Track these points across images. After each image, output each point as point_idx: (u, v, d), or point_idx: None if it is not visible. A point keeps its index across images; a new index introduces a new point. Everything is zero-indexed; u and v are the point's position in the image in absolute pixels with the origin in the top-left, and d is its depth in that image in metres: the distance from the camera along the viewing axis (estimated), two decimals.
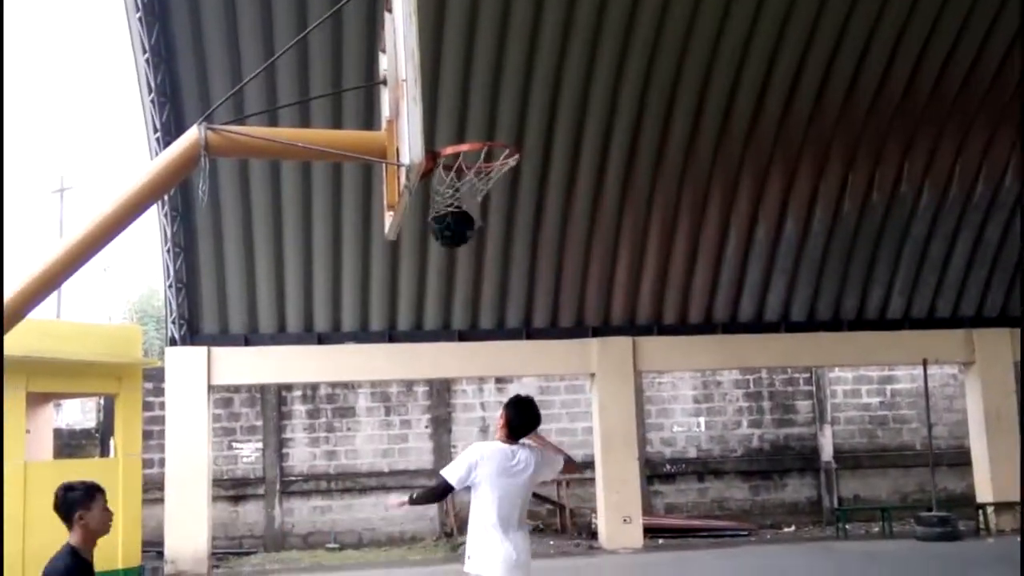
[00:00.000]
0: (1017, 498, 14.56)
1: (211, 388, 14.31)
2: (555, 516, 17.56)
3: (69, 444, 16.45)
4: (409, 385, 17.69)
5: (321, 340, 14.66)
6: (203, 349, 14.16)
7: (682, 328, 15.53)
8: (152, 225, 14.19)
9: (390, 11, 5.23)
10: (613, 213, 14.38)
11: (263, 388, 17.12)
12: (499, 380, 17.38)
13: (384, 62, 5.57)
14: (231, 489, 16.88)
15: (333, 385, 17.43)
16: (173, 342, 14.23)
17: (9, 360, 10.80)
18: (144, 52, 12.13)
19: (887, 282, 15.88)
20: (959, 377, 17.92)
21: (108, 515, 3.95)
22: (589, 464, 16.29)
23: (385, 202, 5.52)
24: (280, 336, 14.60)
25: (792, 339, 15.74)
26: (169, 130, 12.28)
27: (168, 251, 13.71)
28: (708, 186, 14.45)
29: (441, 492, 5.14)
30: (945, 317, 16.23)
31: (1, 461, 6.36)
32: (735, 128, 13.88)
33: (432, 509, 17.10)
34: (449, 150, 5.50)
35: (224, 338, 14.40)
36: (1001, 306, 16.21)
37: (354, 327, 14.77)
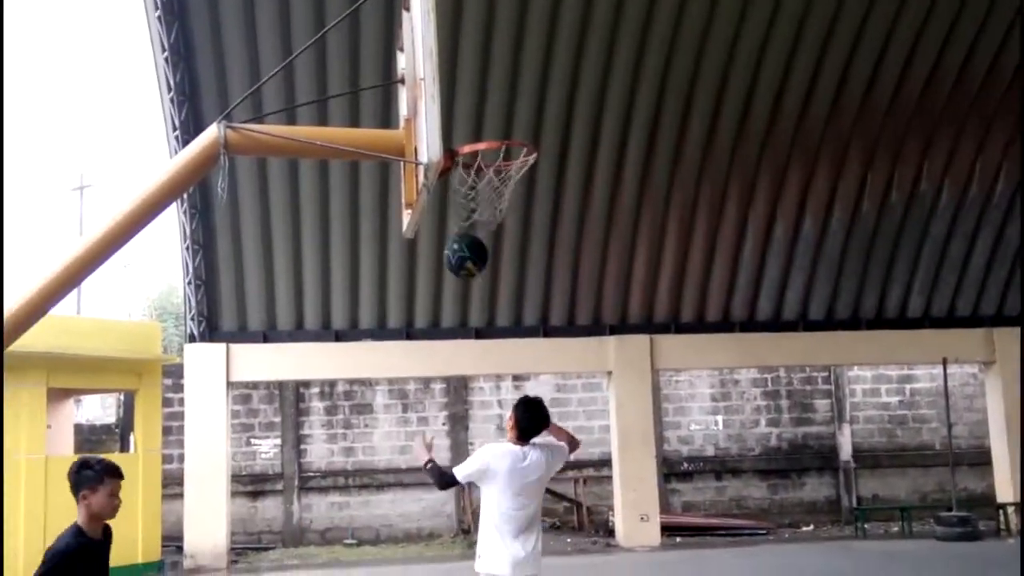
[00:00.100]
0: None
1: (230, 384, 14.40)
2: (572, 514, 17.55)
3: (89, 439, 16.58)
4: (426, 382, 17.74)
5: (339, 337, 14.73)
6: (222, 346, 14.25)
7: (700, 326, 15.50)
8: (171, 223, 14.27)
9: (408, 10, 5.25)
10: (631, 211, 14.36)
11: (281, 384, 17.21)
12: (516, 378, 17.39)
13: (402, 61, 5.59)
14: (250, 485, 16.97)
15: (351, 382, 17.50)
16: (192, 339, 14.32)
17: (30, 356, 10.97)
18: (163, 51, 12.21)
19: (906, 281, 15.78)
20: (979, 376, 17.78)
21: (113, 501, 3.90)
22: (606, 462, 16.30)
23: (403, 200, 5.55)
24: (298, 333, 14.68)
25: (810, 338, 15.68)
26: (188, 128, 12.36)
27: (187, 248, 13.80)
28: (726, 184, 14.40)
29: (447, 482, 5.17)
30: (965, 316, 16.12)
31: (1, 456, 6.40)
32: (753, 127, 13.82)
33: (449, 506, 17.16)
34: (467, 148, 5.52)
35: (243, 335, 14.49)
36: (1022, 305, 16.08)
37: (372, 324, 14.82)
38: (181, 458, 14.55)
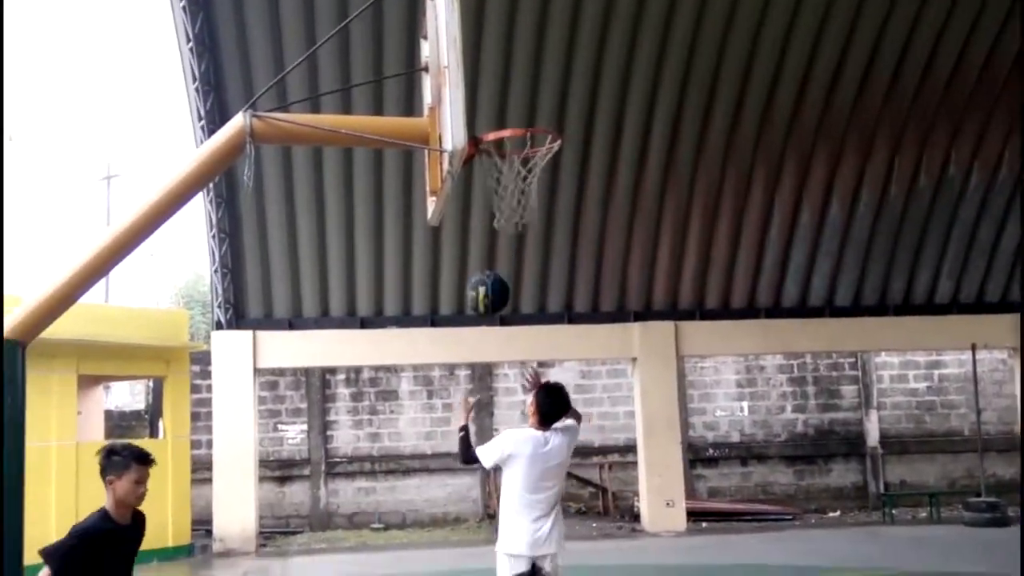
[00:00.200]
0: None
1: (256, 371, 14.54)
2: (597, 499, 17.60)
3: (119, 425, 16.79)
4: (451, 369, 17.81)
5: (364, 324, 14.81)
6: (248, 333, 14.37)
7: (725, 312, 15.44)
8: (198, 212, 14.39)
9: None
10: (655, 197, 14.30)
11: (307, 371, 17.34)
12: (541, 364, 17.39)
13: (426, 49, 5.59)
14: (277, 470, 17.14)
15: (376, 368, 17.60)
16: (219, 326, 14.46)
17: (60, 343, 11.12)
18: (188, 41, 12.27)
19: (935, 266, 15.63)
20: (1008, 362, 17.61)
21: (138, 488, 3.91)
22: (631, 448, 16.31)
23: (427, 188, 5.56)
24: (323, 320, 14.78)
25: (837, 324, 15.58)
26: (213, 118, 12.43)
27: (213, 237, 13.90)
28: (751, 170, 14.31)
29: (472, 458, 5.22)
30: (994, 302, 15.95)
31: (2, 441, 6.48)
32: (778, 112, 13.72)
33: (475, 491, 17.25)
34: (491, 136, 5.52)
35: (269, 322, 14.61)
36: (1021, 293, 15.88)
37: (397, 311, 14.89)
38: (209, 444, 14.72)
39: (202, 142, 11.17)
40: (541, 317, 15.14)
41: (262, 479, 15.65)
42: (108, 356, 12.98)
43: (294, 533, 16.26)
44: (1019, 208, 15.06)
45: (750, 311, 15.49)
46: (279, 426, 17.48)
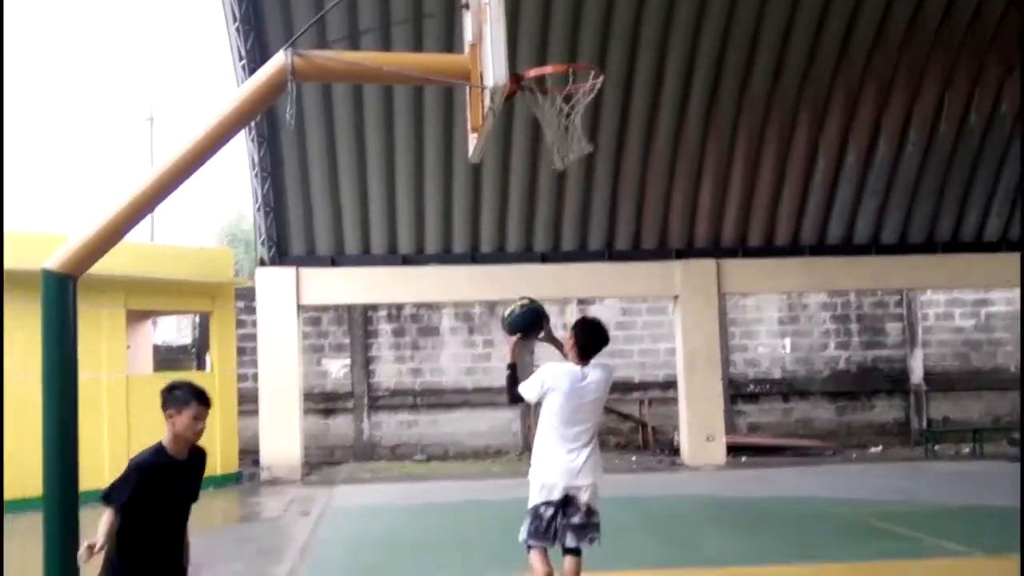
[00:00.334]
0: None
1: (300, 307, 14.74)
2: (637, 433, 17.75)
3: (167, 359, 17.14)
4: (491, 306, 17.89)
5: (405, 262, 14.90)
6: (291, 270, 14.54)
7: (768, 250, 15.29)
8: (240, 151, 14.48)
9: None
10: (697, 135, 14.10)
11: (350, 308, 17.53)
12: (581, 301, 17.42)
13: None
14: (321, 403, 17.48)
15: (417, 306, 17.74)
16: (263, 263, 14.63)
17: (109, 279, 11.34)
18: None
19: (984, 203, 15.31)
20: None
21: (196, 425, 4.00)
22: (671, 384, 16.36)
23: (468, 125, 5.54)
24: (365, 258, 14.88)
25: (883, 261, 15.37)
26: (254, 57, 12.40)
27: (256, 175, 13.99)
28: (796, 110, 14.05)
29: (517, 396, 5.30)
30: None
31: (1, 379, 6.68)
32: (825, 51, 13.39)
33: (516, 424, 17.46)
34: (533, 72, 5.47)
35: (311, 259, 14.75)
36: (1022, 231, 15.51)
37: (437, 249, 14.94)
38: (255, 377, 15.02)
39: (243, 81, 11.15)
40: (582, 255, 15.11)
41: (307, 412, 15.96)
42: (155, 292, 13.24)
43: (338, 464, 16.64)
44: None
45: (794, 249, 15.32)
46: (322, 361, 17.77)
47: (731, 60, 13.38)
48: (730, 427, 16.51)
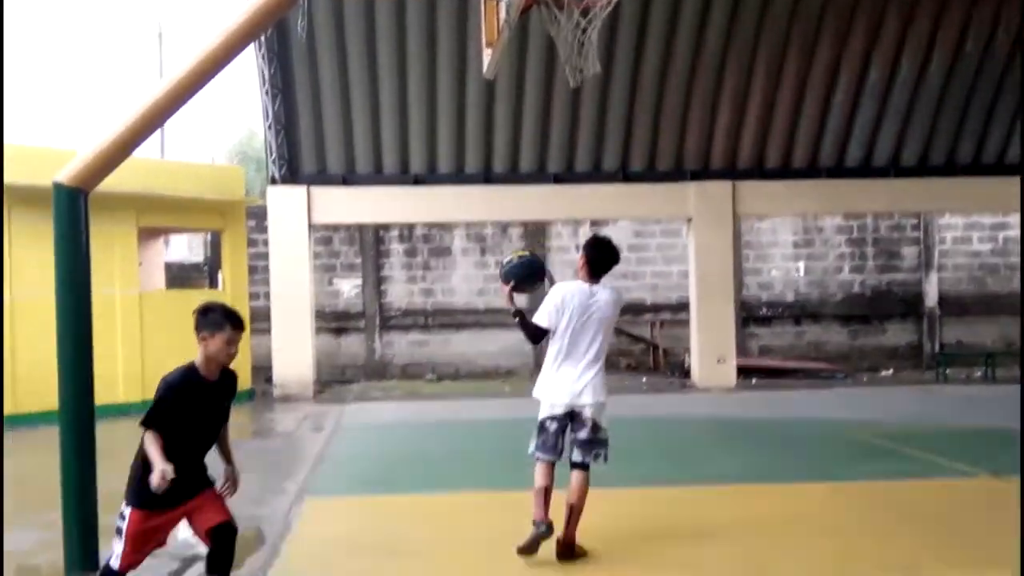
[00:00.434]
0: None
1: (311, 227, 14.70)
2: (648, 355, 17.83)
3: (179, 277, 17.20)
4: (504, 227, 17.83)
5: (417, 181, 14.77)
6: (302, 188, 14.46)
7: (785, 172, 15.09)
8: (250, 68, 14.26)
9: None
10: (716, 53, 13.79)
11: (361, 227, 17.49)
12: (594, 223, 17.34)
13: None
14: (333, 322, 17.58)
15: (429, 226, 17.69)
16: (274, 181, 14.54)
17: (121, 196, 11.30)
18: None
19: (1007, 125, 15.01)
20: None
21: (229, 348, 4.03)
22: (683, 306, 16.36)
23: (483, 40, 5.40)
24: (377, 177, 14.77)
25: (902, 184, 15.17)
26: None
27: (266, 92, 13.81)
28: (819, 26, 13.70)
29: (539, 336, 5.25)
30: None
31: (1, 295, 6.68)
32: None
33: (527, 345, 17.48)
34: None
35: (323, 177, 14.65)
36: (1021, 153, 15.23)
37: (450, 169, 14.80)
38: (267, 296, 15.08)
39: None
40: (596, 175, 14.95)
41: (318, 331, 16.05)
42: (167, 209, 13.21)
43: (350, 382, 16.80)
44: None
45: (811, 171, 15.12)
46: (334, 280, 17.81)
47: None
48: (741, 350, 16.55)
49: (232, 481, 4.18)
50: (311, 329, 14.66)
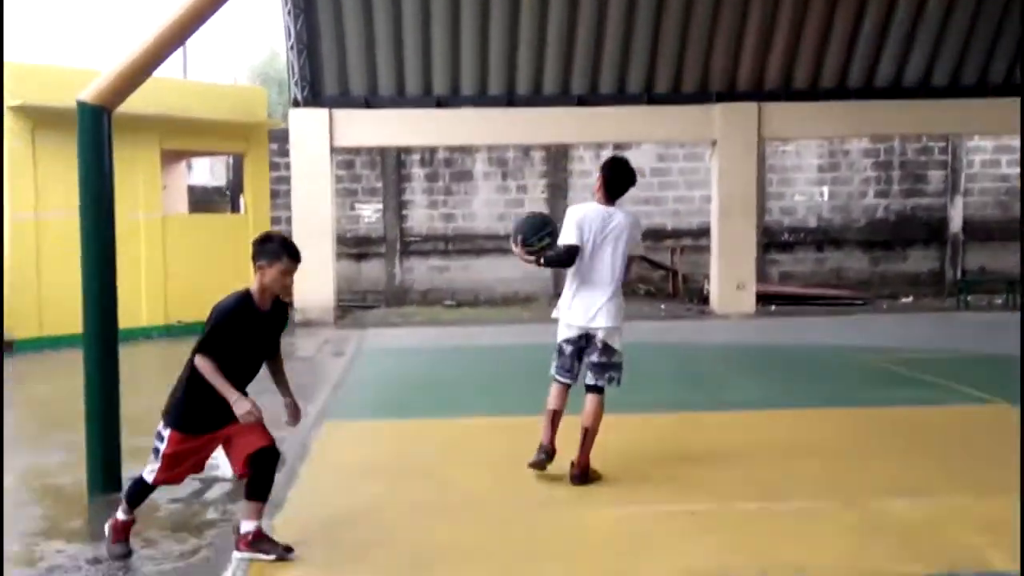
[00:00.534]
0: None
1: (333, 150, 14.64)
2: (667, 281, 17.80)
3: (202, 200, 17.21)
4: (526, 150, 17.67)
5: (440, 104, 14.63)
6: (325, 111, 14.36)
7: (813, 93, 14.82)
8: None
9: None
10: None
11: (383, 151, 17.40)
12: (617, 146, 17.17)
13: None
14: (354, 247, 17.63)
15: (451, 149, 17.57)
16: (296, 103, 14.45)
17: (143, 118, 11.28)
18: None
19: None
20: None
21: (284, 279, 4.04)
22: (704, 232, 16.26)
23: None
24: (399, 99, 14.63)
25: (933, 106, 14.85)
26: None
27: (289, 12, 13.65)
28: None
29: (571, 256, 5.21)
30: None
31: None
32: None
33: (547, 271, 17.45)
34: None
35: (345, 100, 14.53)
36: (1021, 76, 14.82)
37: (473, 91, 14.63)
38: (289, 220, 15.09)
39: None
40: (620, 97, 14.74)
41: (339, 255, 16.11)
42: (189, 132, 13.18)
43: (370, 307, 16.92)
44: None
45: (840, 91, 14.83)
46: (355, 205, 17.81)
47: None
48: (762, 276, 16.48)
49: (294, 413, 4.23)
50: (332, 254, 14.71)
